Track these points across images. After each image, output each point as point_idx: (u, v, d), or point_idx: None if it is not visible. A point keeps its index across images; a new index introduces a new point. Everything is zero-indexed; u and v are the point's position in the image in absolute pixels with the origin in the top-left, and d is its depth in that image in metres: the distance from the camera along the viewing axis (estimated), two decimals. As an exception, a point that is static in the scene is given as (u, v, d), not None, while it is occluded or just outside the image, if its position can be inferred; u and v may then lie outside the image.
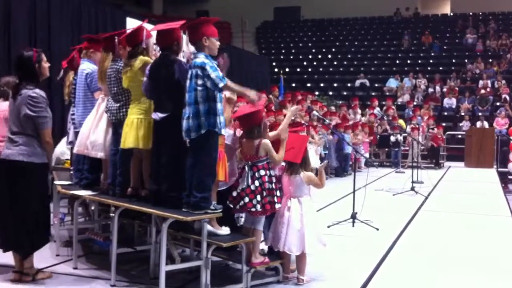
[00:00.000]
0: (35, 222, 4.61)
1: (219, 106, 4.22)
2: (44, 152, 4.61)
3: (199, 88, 4.14)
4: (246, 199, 4.41)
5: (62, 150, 6.95)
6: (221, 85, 4.10)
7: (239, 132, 4.82)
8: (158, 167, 4.44)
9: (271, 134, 4.64)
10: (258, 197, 4.40)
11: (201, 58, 4.19)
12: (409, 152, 14.56)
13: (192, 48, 4.47)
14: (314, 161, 11.25)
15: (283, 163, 4.80)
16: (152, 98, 4.53)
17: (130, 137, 4.54)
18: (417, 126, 15.59)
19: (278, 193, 4.53)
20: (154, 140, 4.49)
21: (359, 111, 17.19)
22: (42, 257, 5.13)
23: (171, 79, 4.34)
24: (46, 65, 4.70)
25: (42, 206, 4.71)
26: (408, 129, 15.57)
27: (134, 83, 4.60)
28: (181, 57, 4.68)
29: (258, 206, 4.40)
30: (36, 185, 4.62)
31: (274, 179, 4.53)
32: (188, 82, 4.22)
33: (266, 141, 4.47)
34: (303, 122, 11.16)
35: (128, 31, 4.91)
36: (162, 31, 4.54)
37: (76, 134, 5.50)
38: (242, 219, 4.83)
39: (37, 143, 4.55)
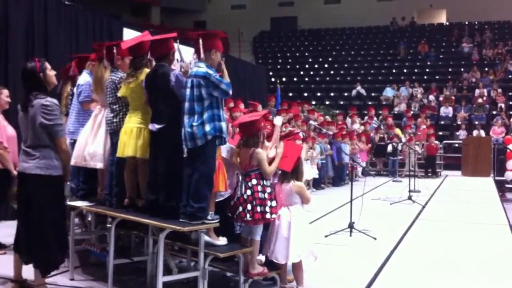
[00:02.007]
0: (54, 236, 4.50)
1: (221, 112, 4.27)
2: (61, 164, 4.51)
3: (203, 97, 4.18)
4: (240, 209, 4.42)
5: None
6: (230, 92, 4.26)
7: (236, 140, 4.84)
8: (155, 177, 4.44)
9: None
10: (249, 206, 4.39)
11: (203, 68, 4.24)
12: (406, 161, 14.59)
13: (187, 59, 4.48)
14: (311, 172, 11.34)
15: (279, 172, 4.82)
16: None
17: (130, 146, 4.54)
18: (412, 135, 15.64)
19: (272, 203, 4.50)
20: (151, 151, 4.50)
21: (358, 120, 17.23)
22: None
23: (167, 90, 4.36)
24: (51, 73, 4.59)
25: (60, 220, 4.61)
26: (404, 139, 15.61)
27: (136, 94, 4.62)
28: (178, 68, 4.71)
29: (248, 216, 4.39)
30: (54, 199, 4.52)
31: (268, 189, 4.50)
32: (188, 91, 4.24)
33: (259, 151, 4.47)
34: (299, 131, 11.19)
35: (129, 42, 4.90)
36: (157, 42, 4.56)
37: (71, 145, 5.50)
38: (238, 228, 4.82)
39: (54, 155, 4.45)
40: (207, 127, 4.16)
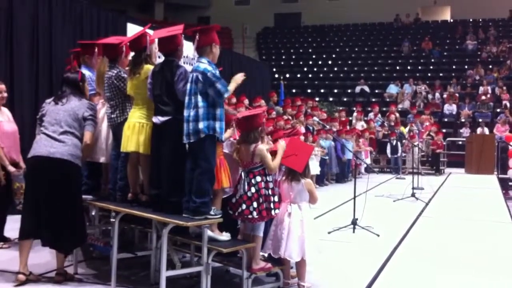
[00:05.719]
0: (75, 221, 4.76)
1: (219, 111, 4.24)
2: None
3: (199, 93, 4.17)
4: (244, 206, 4.41)
5: None
6: (225, 95, 4.20)
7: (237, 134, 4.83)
8: (158, 172, 4.45)
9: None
10: (255, 204, 4.39)
11: (204, 64, 4.23)
12: (409, 158, 14.57)
13: (190, 54, 4.47)
14: (313, 168, 11.35)
15: (283, 168, 4.81)
16: (154, 102, 4.56)
17: (132, 141, 4.56)
18: (416, 132, 15.59)
19: (275, 199, 4.51)
20: (154, 144, 4.50)
21: (362, 117, 17.19)
22: (43, 262, 5.14)
23: (173, 83, 4.36)
24: (87, 86, 5.19)
25: (80, 206, 4.88)
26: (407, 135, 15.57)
27: (139, 90, 4.63)
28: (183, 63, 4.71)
29: (255, 213, 4.39)
30: (77, 187, 4.83)
31: (271, 185, 4.51)
32: (188, 85, 4.24)
33: (261, 147, 4.46)
34: (301, 127, 11.19)
35: (131, 37, 4.92)
36: (165, 38, 4.56)
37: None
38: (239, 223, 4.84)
39: (81, 146, 4.82)
40: (201, 125, 4.13)
